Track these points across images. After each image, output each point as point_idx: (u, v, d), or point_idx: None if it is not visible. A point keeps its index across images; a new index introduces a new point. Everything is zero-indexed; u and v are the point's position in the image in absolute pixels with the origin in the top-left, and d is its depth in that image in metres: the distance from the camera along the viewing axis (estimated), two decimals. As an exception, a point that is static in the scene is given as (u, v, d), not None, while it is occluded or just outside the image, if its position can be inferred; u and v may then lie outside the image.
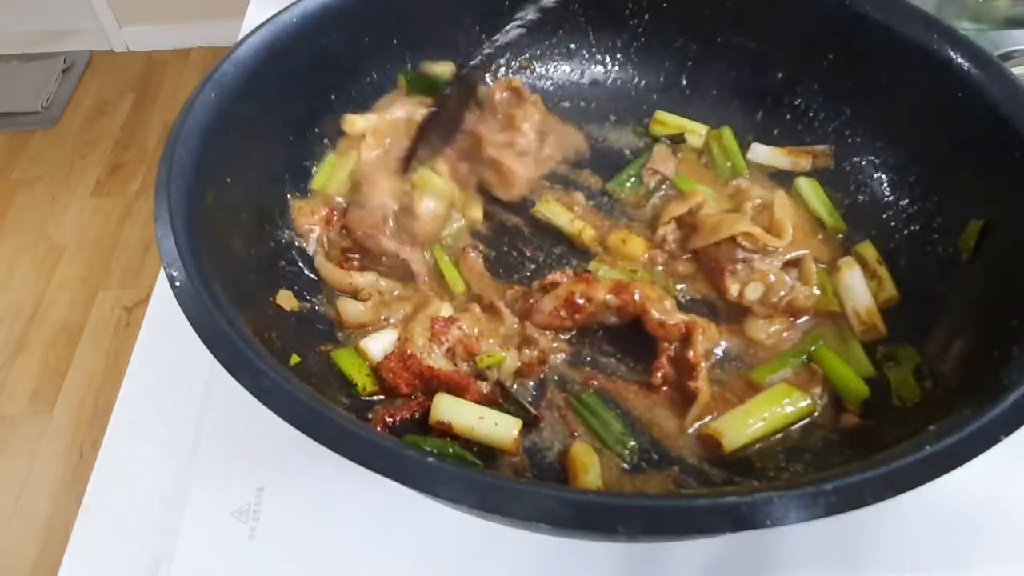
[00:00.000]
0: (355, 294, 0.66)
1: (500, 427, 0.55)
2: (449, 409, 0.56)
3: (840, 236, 0.70)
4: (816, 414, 0.58)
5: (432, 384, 0.58)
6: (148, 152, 2.49)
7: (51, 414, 1.79)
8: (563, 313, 0.61)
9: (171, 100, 2.69)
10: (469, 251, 0.70)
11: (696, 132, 0.79)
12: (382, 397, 0.59)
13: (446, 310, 0.63)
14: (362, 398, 0.58)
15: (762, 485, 0.47)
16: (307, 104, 0.70)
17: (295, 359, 0.55)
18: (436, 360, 0.59)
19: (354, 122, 0.72)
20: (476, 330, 0.61)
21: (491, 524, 0.53)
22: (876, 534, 0.55)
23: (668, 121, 0.80)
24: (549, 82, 0.84)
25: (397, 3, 0.72)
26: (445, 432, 0.55)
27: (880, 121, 0.71)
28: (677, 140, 0.79)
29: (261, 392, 0.41)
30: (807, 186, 0.73)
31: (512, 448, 0.55)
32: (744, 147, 0.77)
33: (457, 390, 0.58)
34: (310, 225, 0.68)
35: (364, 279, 0.66)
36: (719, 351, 0.63)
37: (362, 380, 0.59)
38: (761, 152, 0.77)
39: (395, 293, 0.66)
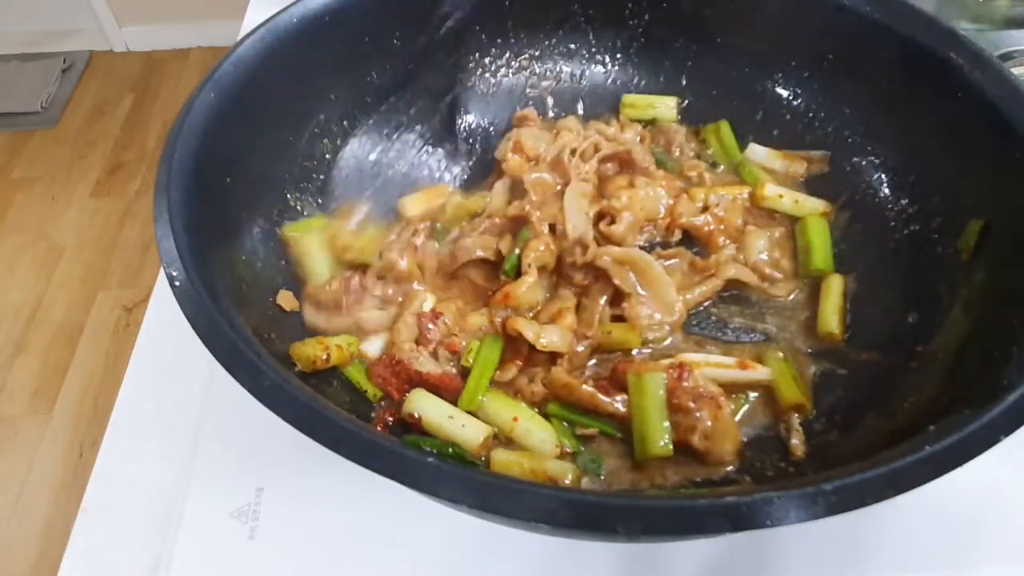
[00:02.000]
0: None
1: (467, 430, 0.55)
2: (422, 404, 0.56)
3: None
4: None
5: (422, 388, 0.58)
6: (148, 152, 2.48)
7: (51, 414, 1.79)
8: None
9: (171, 100, 2.69)
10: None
11: (666, 105, 0.80)
12: (392, 400, 0.59)
13: (428, 302, 0.63)
14: (374, 403, 0.59)
15: (762, 485, 0.47)
16: (307, 104, 0.70)
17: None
18: (424, 364, 0.59)
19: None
20: (457, 327, 0.62)
21: (491, 524, 0.53)
22: (876, 534, 0.55)
23: (637, 103, 0.81)
24: (549, 82, 0.84)
25: (397, 3, 0.72)
26: (415, 426, 0.56)
27: (880, 121, 0.71)
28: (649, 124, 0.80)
29: (261, 392, 0.41)
30: (815, 225, 0.70)
31: (477, 452, 0.55)
32: (742, 147, 0.77)
33: (445, 391, 0.58)
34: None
35: (367, 314, 0.63)
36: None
37: (371, 388, 0.59)
38: (758, 152, 0.77)
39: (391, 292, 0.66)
